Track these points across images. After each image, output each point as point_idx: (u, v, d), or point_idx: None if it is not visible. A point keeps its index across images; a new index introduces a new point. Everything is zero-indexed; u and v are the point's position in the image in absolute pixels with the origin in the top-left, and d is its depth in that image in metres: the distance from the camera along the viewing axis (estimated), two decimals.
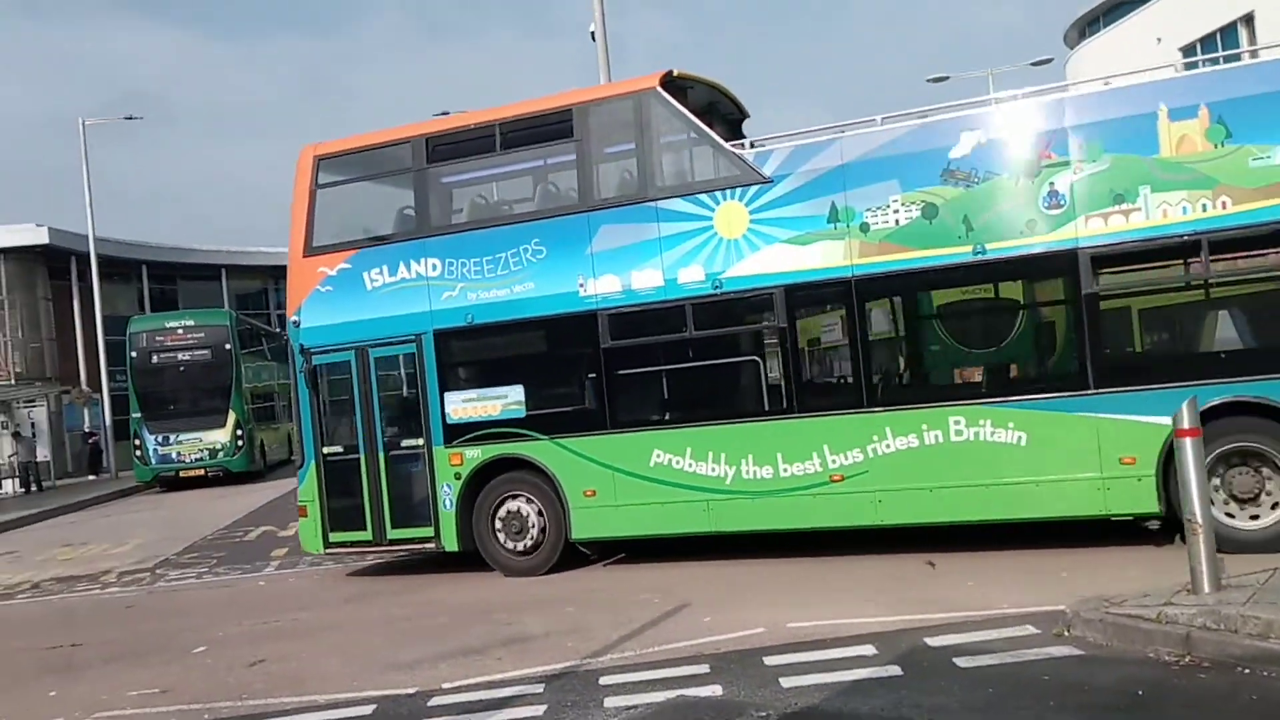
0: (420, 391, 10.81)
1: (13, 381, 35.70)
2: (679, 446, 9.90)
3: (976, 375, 9.51)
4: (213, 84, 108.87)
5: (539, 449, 10.40)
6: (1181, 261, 8.72)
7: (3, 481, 32.02)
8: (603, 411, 10.27)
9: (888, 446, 9.21)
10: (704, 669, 6.59)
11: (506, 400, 10.55)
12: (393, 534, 11.01)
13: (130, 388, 27.96)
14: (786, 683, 6.15)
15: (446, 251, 10.74)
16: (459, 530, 10.64)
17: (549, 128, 10.74)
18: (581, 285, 10.22)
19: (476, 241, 10.71)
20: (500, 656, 7.51)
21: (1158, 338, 9.39)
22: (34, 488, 30.56)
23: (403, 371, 11.15)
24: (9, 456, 32.37)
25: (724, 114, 11.44)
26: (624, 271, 10.09)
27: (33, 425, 34.20)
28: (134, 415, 27.63)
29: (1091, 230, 8.64)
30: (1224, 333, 8.83)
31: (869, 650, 6.67)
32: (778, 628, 7.46)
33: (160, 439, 27.27)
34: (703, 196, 9.88)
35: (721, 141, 10.09)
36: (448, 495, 10.68)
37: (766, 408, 9.83)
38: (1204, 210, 8.34)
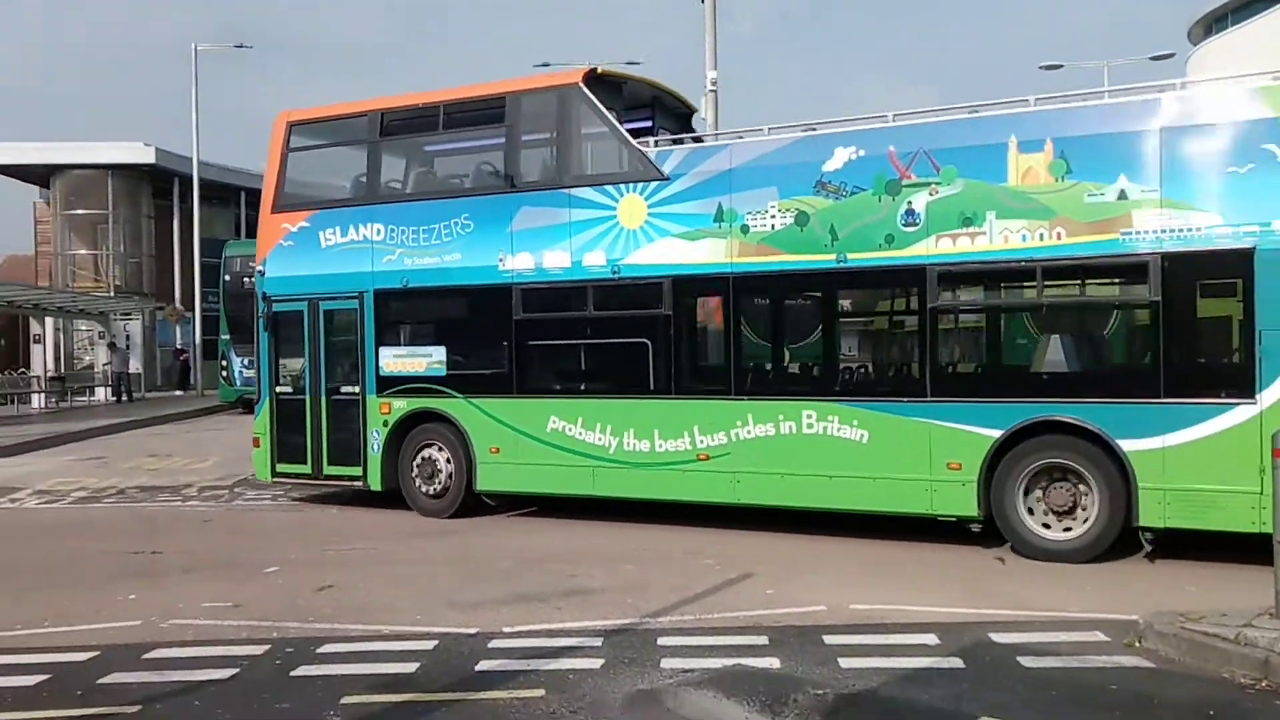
0: (359, 344, 11.84)
1: (111, 294, 36.87)
2: (572, 415, 10.76)
3: (830, 374, 10.19)
4: (320, 20, 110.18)
5: (454, 406, 11.37)
6: (1017, 285, 9.44)
7: (97, 389, 33.20)
8: (510, 377, 11.11)
9: (749, 432, 9.95)
10: (763, 640, 6.58)
11: (430, 359, 11.55)
12: (328, 470, 12.13)
13: (221, 310, 28.65)
14: (845, 663, 6.11)
15: (389, 218, 11.68)
16: (383, 472, 11.72)
17: (484, 113, 11.64)
18: (501, 260, 11.06)
19: (415, 211, 11.64)
20: (560, 606, 7.59)
21: (989, 355, 9.90)
22: (125, 397, 31.60)
23: (346, 324, 12.04)
24: (103, 365, 33.55)
25: (670, 108, 12.35)
26: (537, 251, 10.91)
27: (128, 338, 35.36)
28: (223, 337, 28.32)
29: (940, 249, 9.18)
30: (1048, 355, 9.23)
31: (931, 639, 6.60)
32: (840, 607, 7.41)
33: (246, 362, 27.92)
34: (609, 188, 10.60)
35: (628, 138, 10.70)
36: (376, 440, 11.75)
37: (650, 387, 10.51)
38: (1041, 239, 8.84)
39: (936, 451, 9.19)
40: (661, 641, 6.57)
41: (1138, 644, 6.33)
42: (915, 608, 7.37)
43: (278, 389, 12.48)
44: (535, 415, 10.95)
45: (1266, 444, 7.56)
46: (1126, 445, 8.51)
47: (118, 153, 38.86)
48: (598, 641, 6.59)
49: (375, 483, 11.77)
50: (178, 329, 39.17)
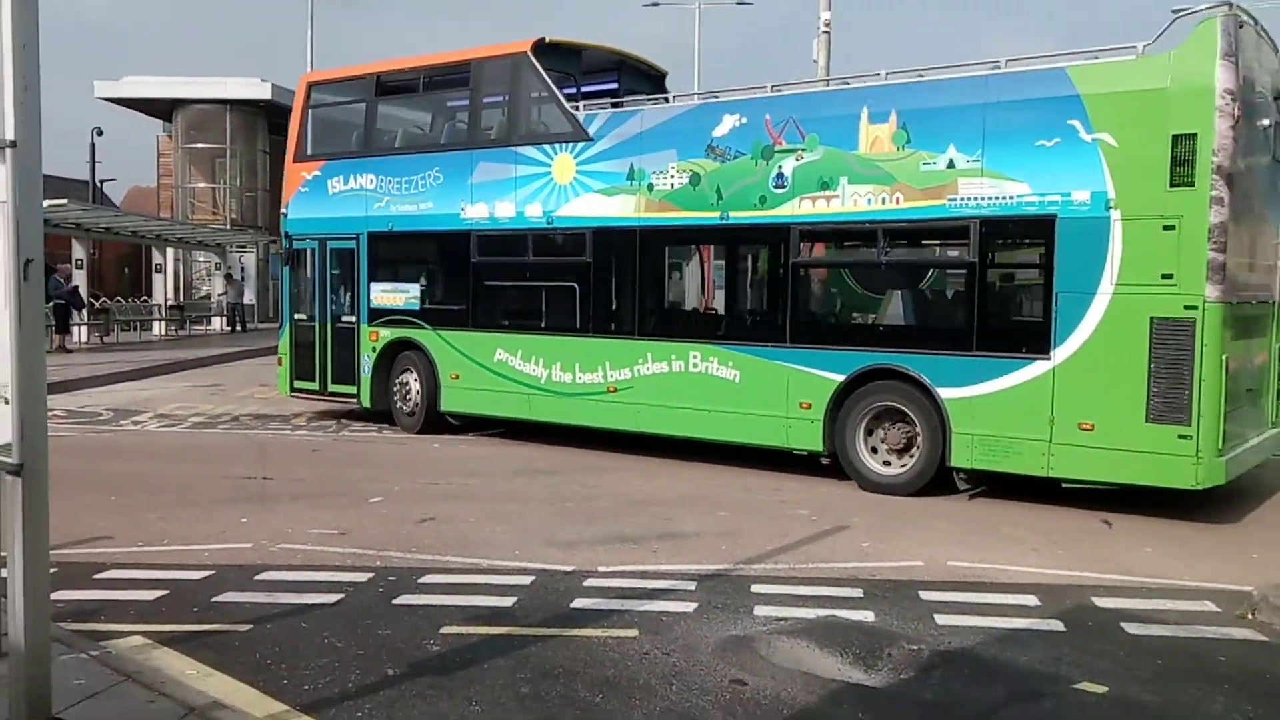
0: (356, 279, 13.58)
1: (228, 226, 38.00)
2: (513, 348, 12.27)
3: (712, 320, 11.42)
4: None
5: (425, 336, 13.04)
6: (862, 245, 10.36)
7: (213, 319, 34.41)
8: (468, 313, 12.68)
9: (648, 369, 11.22)
10: (857, 593, 6.53)
11: (408, 295, 13.23)
12: (331, 388, 14.00)
13: None
14: (941, 620, 6.04)
15: (380, 169, 13.27)
16: (373, 391, 13.51)
17: (454, 77, 13.12)
18: (462, 209, 12.51)
19: (400, 164, 13.15)
20: (655, 549, 7.64)
21: (838, 306, 10.91)
22: (239, 327, 32.69)
23: (347, 262, 13.73)
24: (219, 295, 34.70)
25: (640, 71, 13.60)
26: (490, 202, 12.30)
27: (242, 269, 36.51)
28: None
29: (802, 210, 10.14)
30: (886, 309, 10.36)
31: (1031, 600, 6.47)
32: (938, 564, 7.31)
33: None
34: (546, 146, 11.84)
35: (563, 101, 11.85)
36: (366, 364, 13.53)
37: (574, 326, 11.85)
38: (883, 203, 9.68)
39: (792, 392, 10.24)
40: (755, 589, 6.57)
41: (1250, 616, 6.12)
42: (1015, 568, 7.24)
43: (296, 316, 14.35)
44: (486, 347, 12.50)
45: (1058, 397, 8.76)
46: (943, 393, 9.41)
47: (236, 88, 39.78)
48: (691, 585, 6.63)
49: (366, 400, 13.59)
50: None
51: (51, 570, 4.18)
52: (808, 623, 5.95)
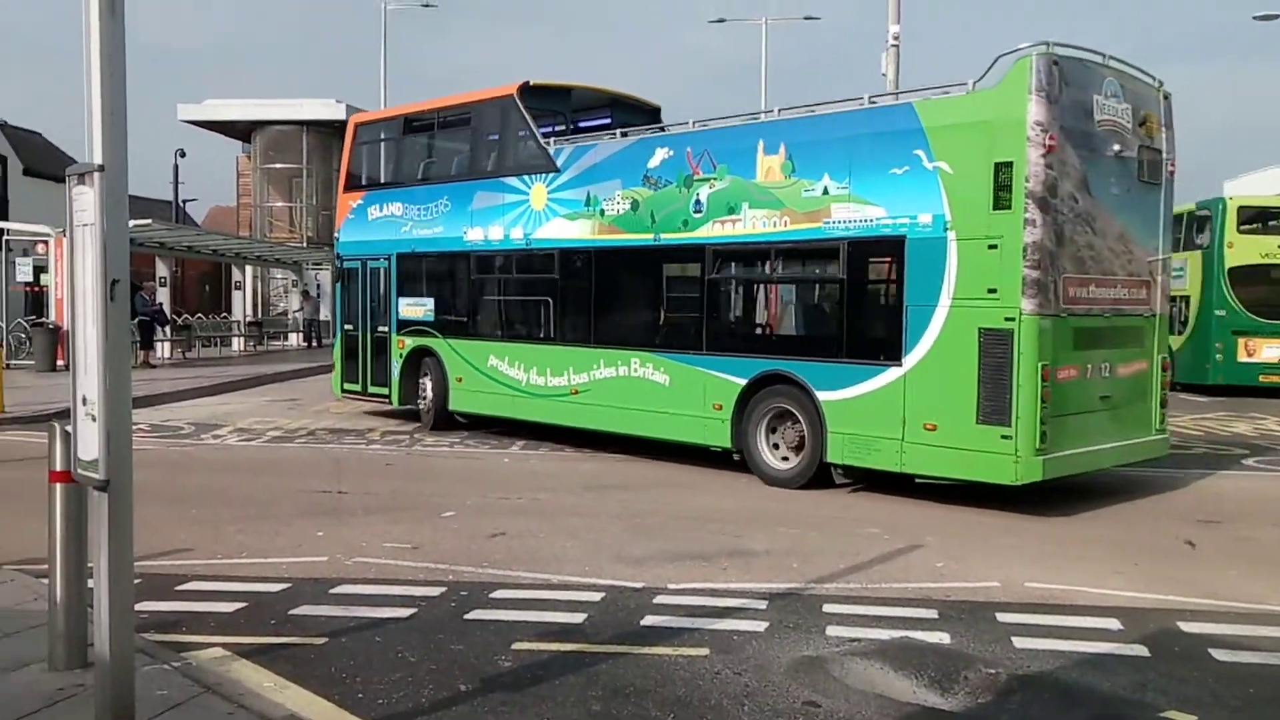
0: (388, 294, 15.52)
1: (304, 244, 38.76)
2: (501, 355, 13.96)
3: (649, 330, 12.57)
4: None
5: (437, 344, 14.84)
6: (759, 263, 11.55)
7: (290, 334, 35.09)
8: (468, 324, 14.49)
9: (601, 374, 12.64)
10: (932, 614, 6.41)
11: (426, 308, 15.06)
12: (370, 390, 15.98)
13: None
14: (1019, 643, 5.89)
15: (406, 199, 15.27)
16: (401, 393, 15.41)
17: (460, 117, 14.80)
18: (464, 233, 14.31)
19: (420, 193, 15.10)
20: (725, 566, 7.58)
21: (741, 318, 12.07)
22: (315, 343, 33.28)
23: (382, 279, 15.69)
24: (295, 312, 35.38)
25: (632, 106, 15.02)
26: (485, 226, 14.03)
27: (319, 286, 37.19)
28: None
29: (713, 232, 11.44)
30: (780, 321, 11.75)
31: (1114, 624, 6.29)
32: (1014, 585, 7.15)
33: None
34: (526, 177, 13.48)
35: (538, 137, 13.44)
36: (395, 368, 15.42)
37: (546, 336, 13.50)
38: (774, 226, 10.90)
39: (708, 394, 11.48)
40: (827, 608, 6.48)
41: None
42: (1096, 590, 7.04)
43: (345, 327, 16.48)
44: (481, 354, 14.20)
45: (907, 400, 9.77)
46: (821, 396, 10.48)
47: (312, 109, 40.63)
48: (762, 604, 6.56)
49: (395, 401, 15.50)
50: None
51: (135, 582, 4.26)
52: (881, 644, 5.85)
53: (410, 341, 15.17)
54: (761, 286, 11.82)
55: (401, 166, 15.78)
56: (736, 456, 11.35)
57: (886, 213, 9.99)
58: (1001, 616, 6.38)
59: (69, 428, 4.16)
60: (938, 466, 9.76)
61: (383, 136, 16.29)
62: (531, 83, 13.75)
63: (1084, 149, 9.56)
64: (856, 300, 10.52)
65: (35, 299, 25.54)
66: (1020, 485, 9.23)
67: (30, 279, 25.30)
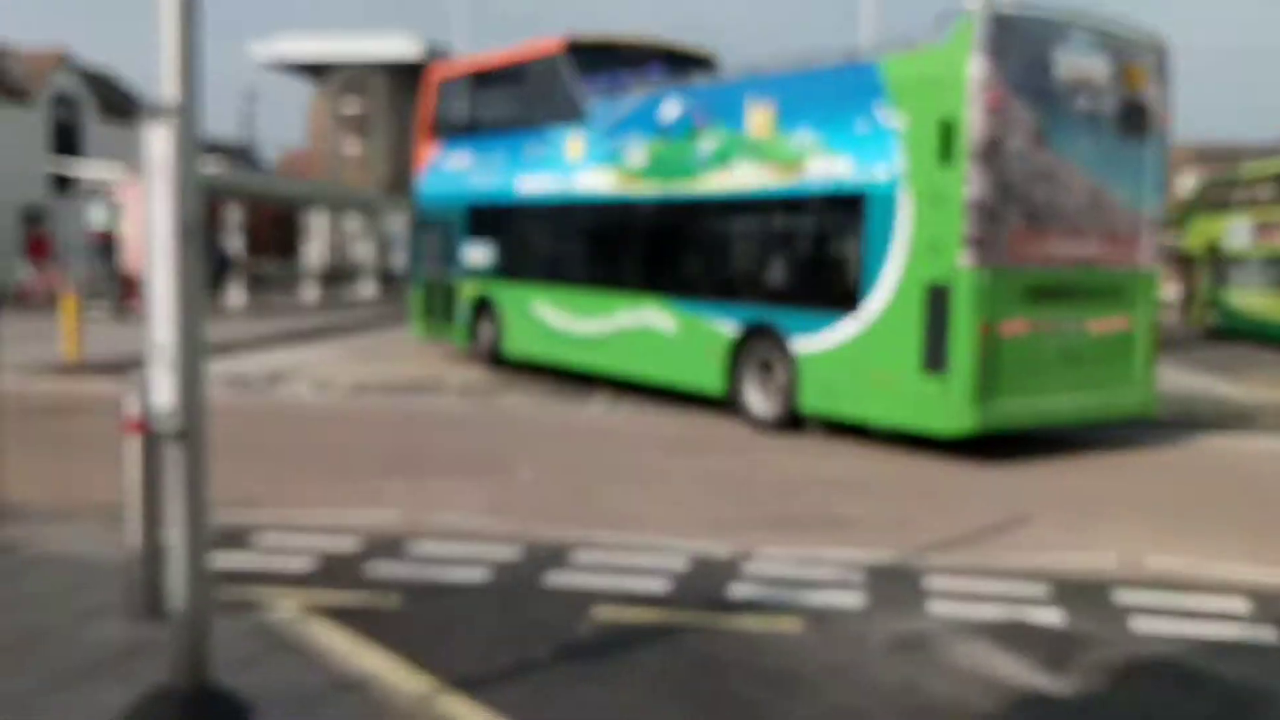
0: (458, 243, 17.02)
1: (377, 190, 39.30)
2: (540, 301, 15.32)
3: (659, 278, 13.30)
4: None
5: (494, 290, 16.37)
6: (747, 217, 12.31)
7: (362, 282, 35.67)
8: (516, 272, 15.91)
9: (621, 320, 13.84)
10: (1042, 591, 6.29)
11: (485, 257, 16.53)
12: (444, 332, 17.69)
13: None
14: (1137, 624, 5.76)
15: (472, 151, 16.69)
16: (468, 334, 17.05)
17: (515, 70, 15.91)
18: (514, 185, 15.67)
19: (481, 146, 16.52)
20: (818, 535, 7.53)
21: (736, 269, 12.67)
22: (388, 291, 33.78)
23: (455, 228, 17.13)
24: (369, 259, 35.90)
25: (686, 56, 15.82)
26: (531, 177, 15.30)
27: (391, 233, 37.71)
28: None
29: (710, 186, 12.45)
30: (765, 272, 12.18)
31: (1240, 607, 6.10)
32: (1132, 562, 6.98)
33: None
34: (564, 130, 14.62)
35: (573, 92, 14.45)
36: (464, 312, 17.06)
37: (576, 282, 14.68)
38: (761, 181, 11.80)
39: (707, 341, 12.47)
40: (927, 583, 6.40)
41: None
42: (1221, 569, 6.84)
43: (423, 274, 18.20)
44: (525, 300, 15.62)
45: (863, 349, 10.59)
46: (794, 345, 11.35)
47: (388, 46, 40.96)
48: (858, 576, 6.50)
49: (460, 342, 17.30)
50: None
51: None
52: (987, 622, 5.76)
53: (473, 288, 16.79)
54: (751, 239, 12.50)
55: (468, 118, 16.99)
56: (729, 401, 12.35)
57: (852, 169, 10.78)
58: (1118, 595, 6.24)
59: (143, 376, 4.26)
60: (890, 414, 10.50)
61: (454, 88, 17.35)
62: (575, 40, 14.90)
63: (1042, 104, 10.06)
64: (826, 254, 11.41)
65: (105, 245, 26.28)
66: (962, 436, 9.93)
67: (104, 225, 26.04)
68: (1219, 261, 28.17)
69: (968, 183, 9.68)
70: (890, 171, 10.32)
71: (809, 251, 11.66)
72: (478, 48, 42.00)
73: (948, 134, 9.81)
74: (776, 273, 12.05)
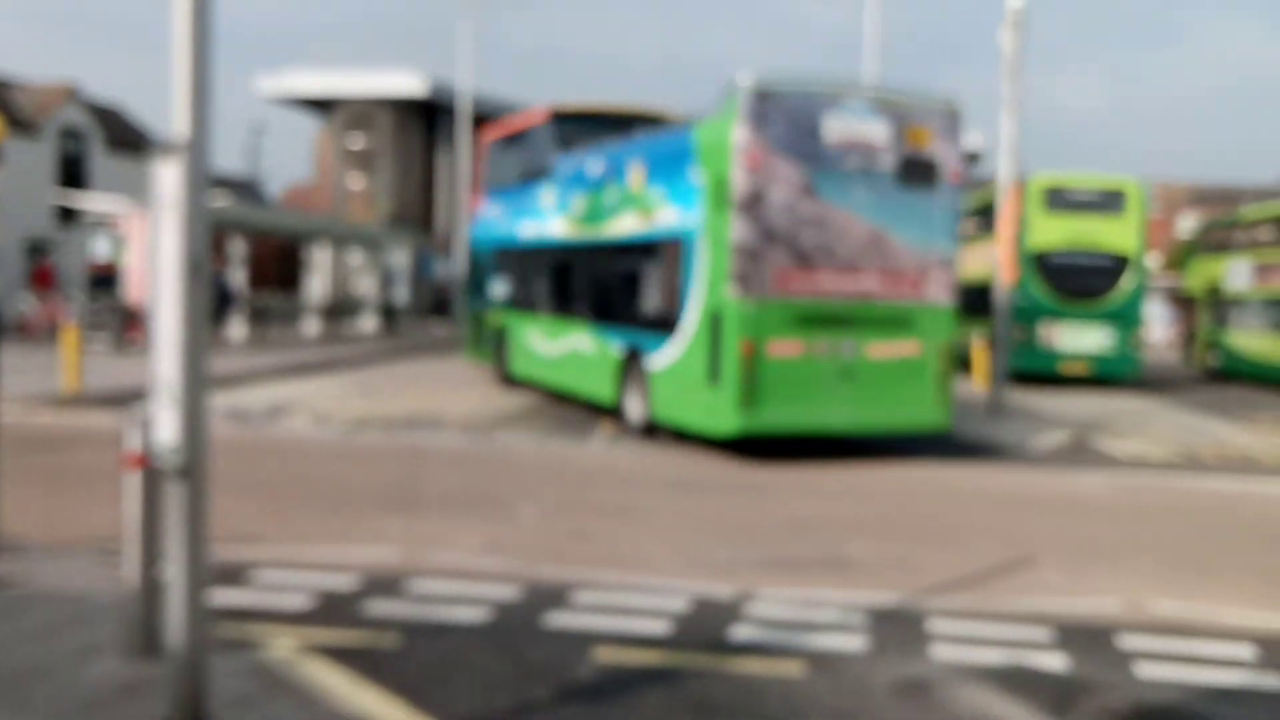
0: (490, 280, 20.03)
1: (381, 225, 39.42)
2: (528, 328, 18.03)
3: (585, 308, 15.72)
4: None
5: (506, 319, 19.17)
6: (628, 255, 14.44)
7: (364, 317, 35.69)
8: (516, 304, 18.72)
9: (567, 342, 16.36)
10: (1046, 635, 6.24)
11: (503, 291, 19.35)
12: (483, 357, 20.53)
13: None
14: (1142, 670, 5.71)
15: (501, 201, 19.68)
16: (494, 358, 19.79)
17: (518, 134, 18.78)
18: (516, 231, 18.58)
19: (499, 198, 19.79)
20: (821, 576, 7.48)
21: (622, 298, 14.70)
22: (390, 326, 33.79)
23: (489, 267, 20.17)
24: (371, 294, 35.92)
25: (651, 119, 17.33)
26: (524, 225, 18.23)
27: (394, 268, 37.77)
28: None
29: (604, 231, 15.04)
30: (639, 302, 14.14)
31: (1247, 653, 6.05)
32: (1137, 606, 6.93)
33: None
34: (542, 182, 17.31)
35: (551, 150, 17.04)
36: (490, 338, 19.97)
37: (545, 312, 17.33)
38: (631, 228, 14.19)
39: (608, 359, 14.72)
40: (931, 626, 6.35)
41: None
42: (1227, 613, 6.79)
43: (472, 305, 21.29)
44: (525, 328, 18.13)
45: (680, 366, 12.64)
46: (646, 363, 13.54)
47: (394, 83, 41.22)
48: (860, 618, 6.45)
49: (489, 363, 20.11)
50: (439, 261, 41.44)
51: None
52: (991, 666, 5.71)
53: (495, 318, 19.66)
54: (628, 275, 14.51)
55: (498, 175, 20.03)
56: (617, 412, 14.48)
57: (677, 217, 12.86)
58: (1123, 640, 6.19)
59: (145, 411, 4.24)
60: (695, 420, 12.44)
61: (492, 149, 20.48)
62: (558, 109, 17.44)
63: (810, 162, 11.74)
64: (664, 287, 13.31)
65: (108, 277, 26.31)
66: (733, 436, 11.85)
67: (108, 257, 26.09)
68: (1219, 303, 28.22)
69: (732, 229, 11.63)
70: (696, 220, 12.35)
71: (655, 285, 13.67)
72: (483, 85, 42.31)
73: (720, 189, 11.80)
74: (639, 303, 14.12)
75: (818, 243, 11.83)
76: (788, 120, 11.64)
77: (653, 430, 13.47)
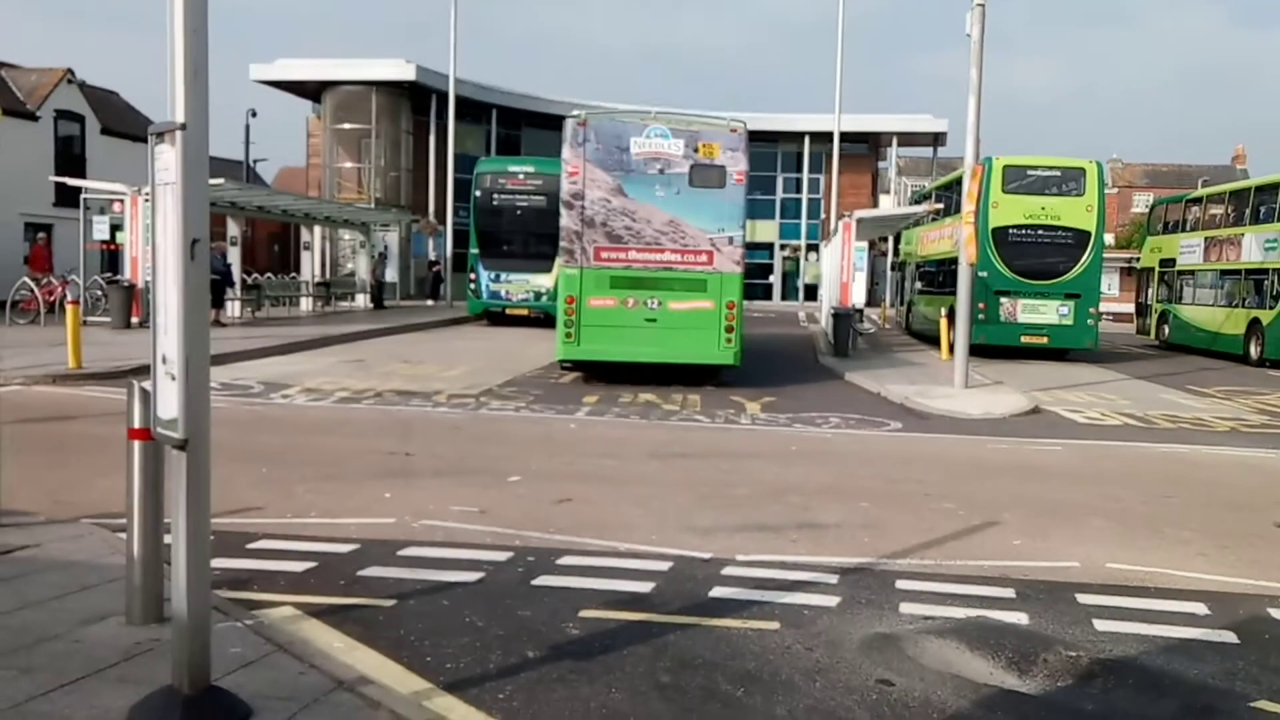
0: None
1: (372, 206, 39.10)
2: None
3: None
4: None
5: None
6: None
7: (357, 295, 35.48)
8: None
9: None
10: (1009, 593, 6.30)
11: None
12: None
13: (471, 224, 29.89)
14: (1101, 626, 5.77)
15: None
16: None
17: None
18: None
19: None
20: (795, 539, 7.52)
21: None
22: (381, 305, 33.62)
23: None
24: (363, 274, 35.71)
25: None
26: None
27: (385, 248, 37.51)
28: (471, 250, 29.60)
29: None
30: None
31: (1200, 609, 6.13)
32: (1095, 565, 7.00)
33: (492, 276, 29.18)
34: None
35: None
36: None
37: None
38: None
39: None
40: (900, 584, 6.39)
41: None
42: (1180, 572, 6.87)
43: None
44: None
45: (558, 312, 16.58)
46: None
47: (382, 69, 40.85)
48: (833, 578, 6.49)
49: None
50: (430, 241, 41.18)
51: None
52: (957, 623, 5.76)
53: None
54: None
55: None
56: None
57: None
58: (1082, 597, 6.25)
59: (147, 385, 4.21)
60: (564, 354, 16.29)
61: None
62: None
63: (619, 170, 15.54)
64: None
65: (111, 256, 26.09)
66: (566, 361, 16.49)
67: (106, 237, 25.84)
68: (1172, 277, 28.38)
69: (562, 219, 15.86)
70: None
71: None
72: (471, 73, 41.88)
73: (559, 191, 16.30)
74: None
75: (626, 227, 15.61)
76: (601, 142, 15.57)
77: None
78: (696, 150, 15.57)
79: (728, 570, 6.64)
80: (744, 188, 15.80)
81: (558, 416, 13.23)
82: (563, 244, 15.81)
